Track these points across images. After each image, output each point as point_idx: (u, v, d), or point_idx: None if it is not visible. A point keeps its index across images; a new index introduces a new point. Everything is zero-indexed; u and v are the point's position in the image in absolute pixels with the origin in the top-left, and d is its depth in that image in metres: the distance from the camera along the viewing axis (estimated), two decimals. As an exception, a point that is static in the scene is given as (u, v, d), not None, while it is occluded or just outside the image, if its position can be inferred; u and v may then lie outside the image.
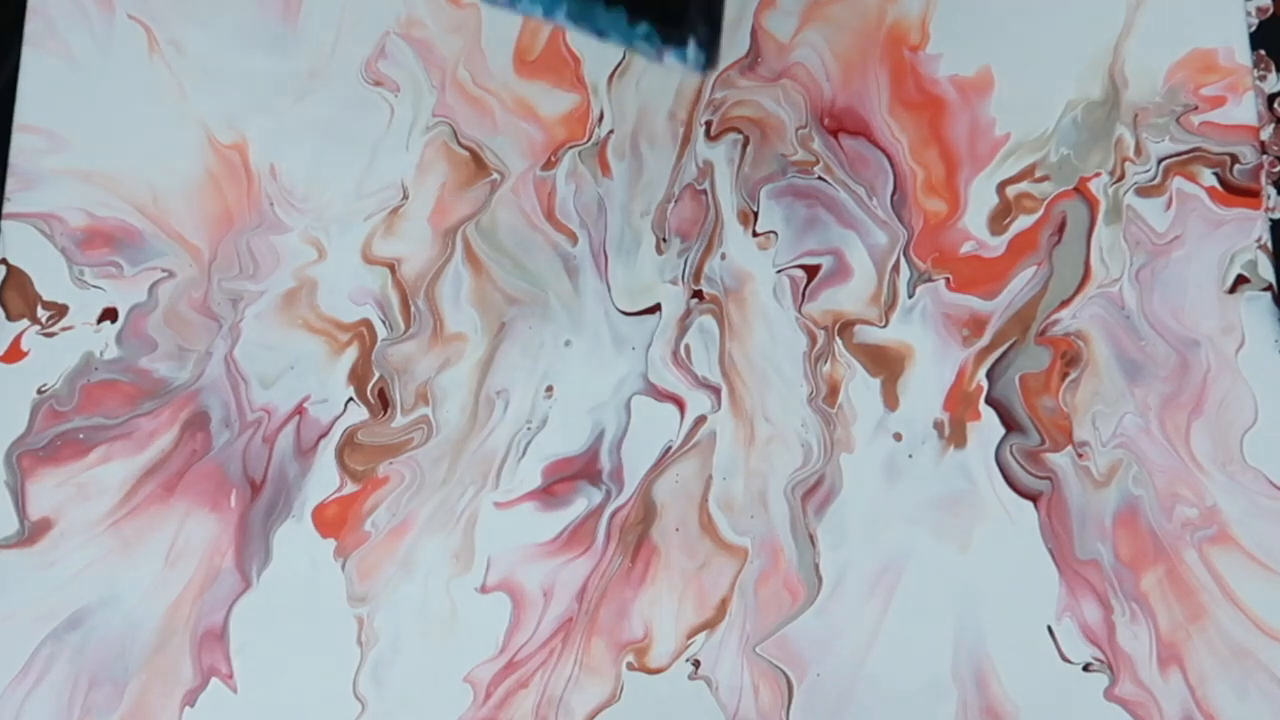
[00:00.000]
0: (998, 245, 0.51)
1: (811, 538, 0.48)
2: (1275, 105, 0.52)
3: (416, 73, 0.54)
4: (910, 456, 0.49)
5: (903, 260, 0.51)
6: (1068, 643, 0.47)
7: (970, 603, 0.48)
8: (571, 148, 0.52)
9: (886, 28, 0.53)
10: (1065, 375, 0.50)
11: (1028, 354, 0.50)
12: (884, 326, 0.50)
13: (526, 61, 0.53)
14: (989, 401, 0.49)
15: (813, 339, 0.50)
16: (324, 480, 0.50)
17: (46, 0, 0.55)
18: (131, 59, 0.54)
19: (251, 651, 0.48)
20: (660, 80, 0.53)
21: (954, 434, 0.49)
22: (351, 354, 0.51)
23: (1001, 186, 0.51)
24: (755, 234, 0.51)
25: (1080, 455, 0.49)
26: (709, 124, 0.52)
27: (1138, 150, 0.52)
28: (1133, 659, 0.47)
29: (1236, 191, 0.51)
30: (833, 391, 0.50)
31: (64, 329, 0.51)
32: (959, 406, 0.49)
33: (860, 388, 0.50)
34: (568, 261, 0.51)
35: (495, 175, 0.52)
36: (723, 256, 0.51)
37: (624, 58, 0.53)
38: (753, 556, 0.48)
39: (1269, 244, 0.50)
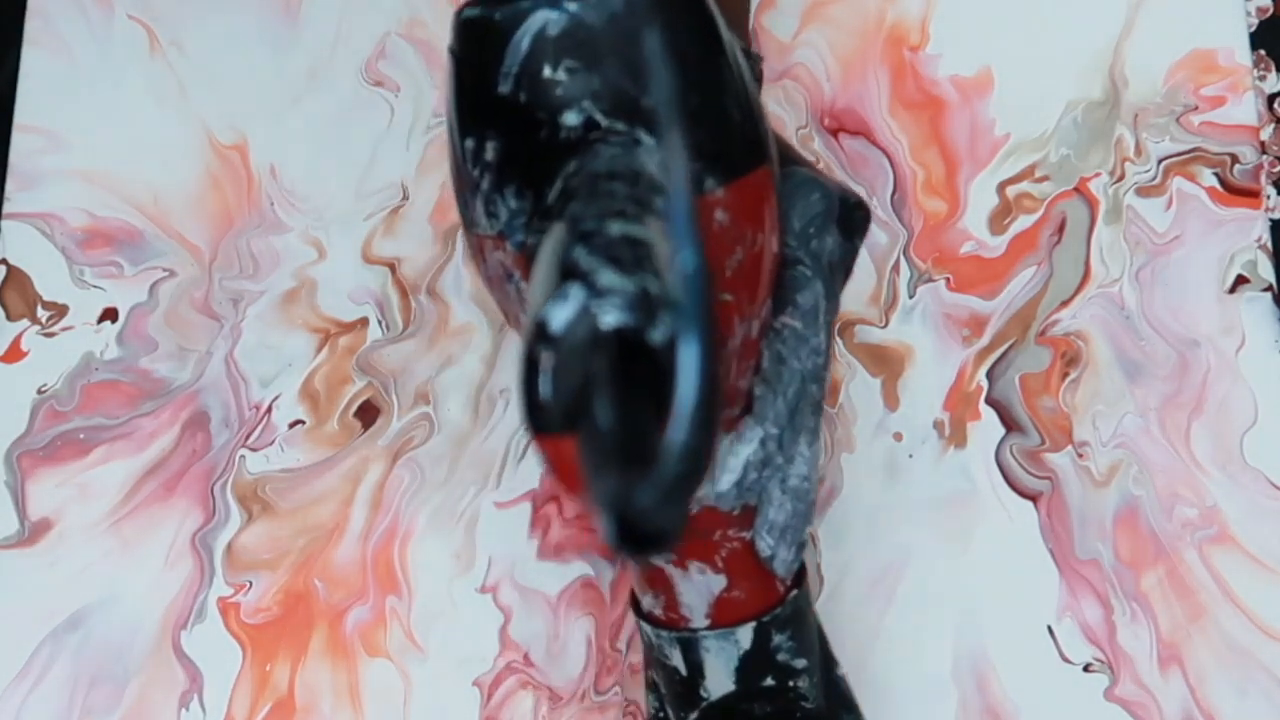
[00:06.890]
0: (998, 245, 0.51)
1: (812, 537, 0.48)
2: (1275, 105, 0.52)
3: (417, 73, 0.54)
4: (910, 456, 0.49)
5: (903, 260, 0.51)
6: (1068, 643, 0.47)
7: (970, 603, 0.48)
8: (571, 148, 0.52)
9: (886, 28, 0.53)
10: (1065, 375, 0.50)
11: (1028, 354, 0.50)
12: (884, 326, 0.50)
13: (526, 61, 0.53)
14: (989, 401, 0.49)
15: (813, 339, 0.50)
16: (324, 480, 0.50)
17: (46, 0, 0.55)
18: (131, 59, 0.54)
19: (251, 651, 0.48)
20: (660, 80, 0.53)
21: (954, 434, 0.49)
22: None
23: (1001, 186, 0.51)
24: (755, 234, 0.51)
25: (1080, 455, 0.49)
26: (709, 124, 0.52)
27: (1138, 150, 0.52)
28: (1133, 659, 0.47)
29: (1236, 191, 0.51)
30: (833, 391, 0.50)
31: (64, 329, 0.51)
32: (959, 406, 0.49)
33: (860, 388, 0.50)
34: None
35: (495, 175, 0.52)
36: (723, 256, 0.51)
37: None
38: (753, 556, 0.48)
39: (1269, 244, 0.50)
